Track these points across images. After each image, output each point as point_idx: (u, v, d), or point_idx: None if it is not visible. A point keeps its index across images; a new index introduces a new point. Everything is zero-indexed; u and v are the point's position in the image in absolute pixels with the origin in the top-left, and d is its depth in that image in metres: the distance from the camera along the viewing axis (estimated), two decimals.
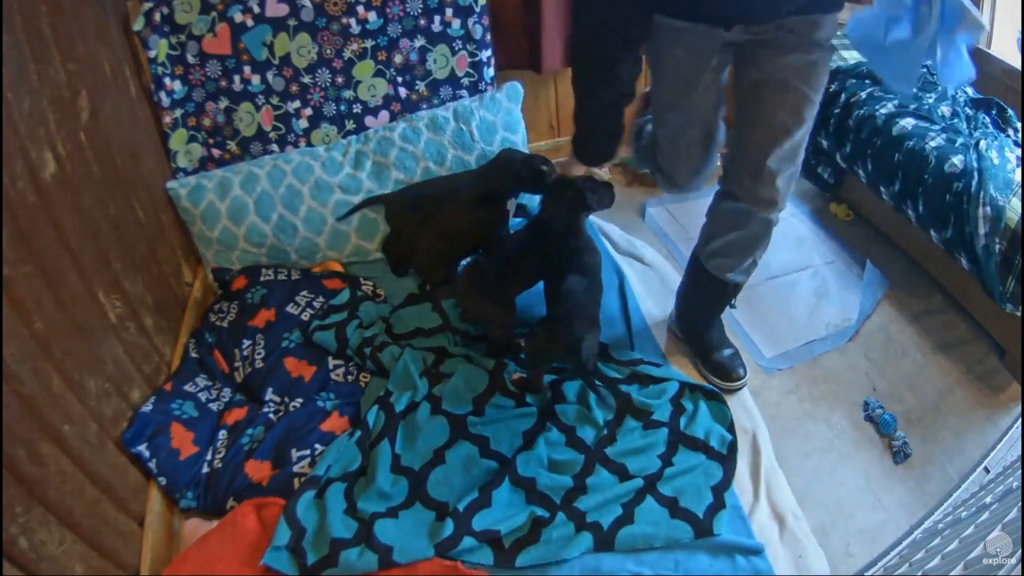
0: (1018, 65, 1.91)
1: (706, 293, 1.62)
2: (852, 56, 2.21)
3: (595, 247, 1.57)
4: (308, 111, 1.93)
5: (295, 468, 1.34)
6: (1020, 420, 1.50)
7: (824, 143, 2.10)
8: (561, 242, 1.53)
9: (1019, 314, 1.53)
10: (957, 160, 1.67)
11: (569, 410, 1.45)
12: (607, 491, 1.29)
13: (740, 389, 1.62)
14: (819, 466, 1.47)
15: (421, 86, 2.00)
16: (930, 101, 1.92)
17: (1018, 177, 1.62)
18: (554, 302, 1.47)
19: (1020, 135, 1.79)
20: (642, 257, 2.02)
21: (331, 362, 1.58)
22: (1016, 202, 1.54)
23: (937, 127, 1.81)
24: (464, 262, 1.77)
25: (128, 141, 1.56)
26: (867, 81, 2.01)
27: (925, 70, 1.95)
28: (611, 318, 1.71)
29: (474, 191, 1.77)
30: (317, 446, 1.39)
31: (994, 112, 1.88)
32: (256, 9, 1.78)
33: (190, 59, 1.78)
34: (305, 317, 1.66)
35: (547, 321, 1.49)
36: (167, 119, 1.77)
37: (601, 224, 2.12)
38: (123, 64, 1.61)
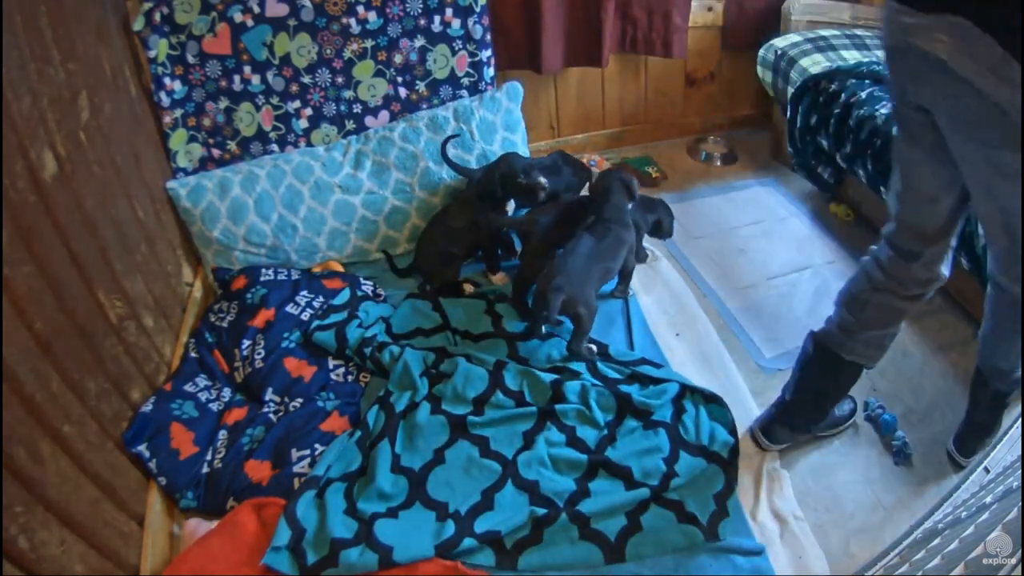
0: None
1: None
2: (852, 56, 2.21)
3: (629, 225, 1.64)
4: (308, 111, 1.93)
5: (295, 468, 1.34)
6: (1020, 420, 1.50)
7: (824, 143, 2.10)
8: (595, 214, 1.64)
9: None
10: None
11: (569, 410, 1.44)
12: (611, 497, 1.28)
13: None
14: (819, 466, 1.47)
15: (421, 86, 2.00)
16: None
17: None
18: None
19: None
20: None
21: (331, 362, 1.58)
22: None
23: None
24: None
25: (128, 141, 1.56)
26: (867, 81, 2.01)
27: None
28: (611, 318, 1.71)
29: (473, 192, 1.79)
30: (317, 446, 1.38)
31: None
32: (256, 9, 1.78)
33: (190, 59, 1.78)
34: (305, 317, 1.66)
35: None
36: (167, 119, 1.78)
37: None
38: (123, 64, 1.61)
